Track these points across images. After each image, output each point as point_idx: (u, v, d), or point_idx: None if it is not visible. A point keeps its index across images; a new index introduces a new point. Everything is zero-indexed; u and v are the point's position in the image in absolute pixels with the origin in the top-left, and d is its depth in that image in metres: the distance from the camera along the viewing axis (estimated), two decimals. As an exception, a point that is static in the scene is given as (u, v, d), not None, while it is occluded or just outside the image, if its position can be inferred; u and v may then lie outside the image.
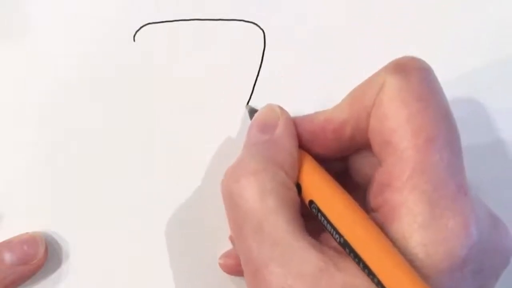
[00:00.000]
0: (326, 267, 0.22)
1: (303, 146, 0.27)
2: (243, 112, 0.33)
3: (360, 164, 0.27)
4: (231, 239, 0.31)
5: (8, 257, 0.30)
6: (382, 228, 0.23)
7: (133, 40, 0.34)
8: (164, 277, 0.32)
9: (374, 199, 0.24)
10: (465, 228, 0.22)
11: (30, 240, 0.30)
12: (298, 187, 0.26)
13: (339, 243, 0.23)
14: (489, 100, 0.34)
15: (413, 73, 0.25)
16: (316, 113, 0.27)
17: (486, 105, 0.34)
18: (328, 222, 0.24)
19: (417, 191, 0.23)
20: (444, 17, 0.35)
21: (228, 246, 0.32)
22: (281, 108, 0.28)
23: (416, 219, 0.22)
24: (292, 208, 0.24)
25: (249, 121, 0.29)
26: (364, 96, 0.25)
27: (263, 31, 0.34)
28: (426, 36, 0.35)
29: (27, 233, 0.31)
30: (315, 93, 0.34)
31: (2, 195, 0.32)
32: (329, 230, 0.24)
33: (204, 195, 0.32)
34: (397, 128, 0.24)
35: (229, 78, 0.34)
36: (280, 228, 0.23)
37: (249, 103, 0.33)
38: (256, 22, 0.34)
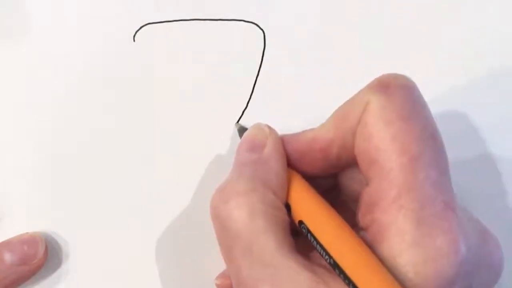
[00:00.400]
0: (317, 287, 0.22)
1: (292, 164, 0.27)
2: (236, 125, 0.33)
3: (349, 181, 0.27)
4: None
5: (8, 257, 0.30)
6: (372, 247, 0.23)
7: (133, 40, 0.34)
8: (164, 277, 0.32)
9: (362, 218, 0.24)
10: (454, 245, 0.22)
11: (30, 240, 0.30)
12: (288, 206, 0.26)
13: (329, 263, 0.24)
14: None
15: (397, 92, 0.25)
16: (303, 132, 0.27)
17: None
18: (318, 243, 0.24)
19: (404, 210, 0.23)
20: (441, 23, 0.35)
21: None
22: (269, 128, 0.28)
23: (404, 238, 0.22)
24: (282, 228, 0.24)
25: (238, 139, 0.29)
26: (349, 115, 0.25)
27: (263, 31, 0.34)
28: (426, 36, 0.35)
29: (27, 233, 0.31)
30: (315, 93, 0.34)
31: (2, 195, 0.32)
32: (319, 250, 0.24)
33: (204, 195, 0.32)
34: (382, 147, 0.24)
35: (229, 78, 0.34)
36: (270, 249, 0.23)
37: (239, 121, 0.33)
38: (256, 22, 0.34)
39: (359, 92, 0.25)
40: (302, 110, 0.33)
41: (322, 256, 0.24)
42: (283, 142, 0.27)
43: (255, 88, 0.34)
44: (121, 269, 0.32)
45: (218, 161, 0.33)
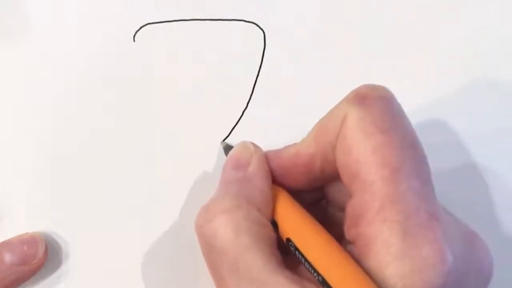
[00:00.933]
0: None
1: (277, 180, 0.27)
2: (222, 143, 0.33)
3: (336, 193, 0.27)
4: None
5: (8, 257, 0.30)
6: (359, 261, 0.23)
7: (133, 40, 0.34)
8: (164, 277, 0.32)
9: (348, 231, 0.24)
10: (440, 255, 0.22)
11: (30, 240, 0.30)
12: (275, 223, 0.26)
13: (318, 280, 0.24)
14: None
15: (375, 103, 0.24)
16: (286, 147, 0.27)
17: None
18: (306, 260, 0.24)
19: (388, 222, 0.22)
20: (441, 23, 0.35)
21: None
22: (254, 145, 0.28)
23: (390, 250, 0.22)
24: (268, 244, 0.25)
25: (224, 157, 0.29)
26: (328, 129, 0.25)
27: (263, 31, 0.34)
28: (425, 37, 0.35)
29: (27, 233, 0.31)
30: (314, 93, 0.34)
31: (2, 195, 0.32)
32: (307, 267, 0.24)
33: (204, 195, 0.32)
34: (363, 160, 0.23)
35: (229, 78, 0.34)
36: (256, 266, 0.23)
37: (225, 140, 0.33)
38: (256, 22, 0.34)
39: (337, 105, 0.25)
40: (302, 110, 0.33)
41: (310, 272, 0.24)
42: (267, 158, 0.27)
43: (255, 88, 0.34)
44: (121, 269, 0.32)
45: (218, 161, 0.33)
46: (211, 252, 0.25)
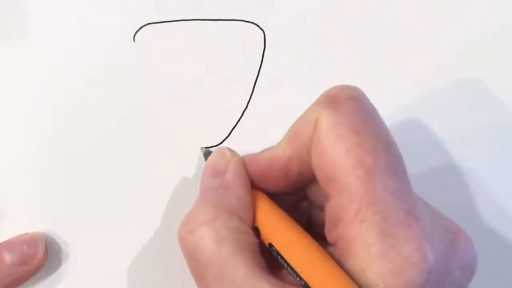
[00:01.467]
0: None
1: (256, 185, 0.27)
2: (201, 149, 0.33)
3: (316, 194, 0.27)
4: None
5: (8, 257, 0.30)
6: (340, 263, 0.23)
7: (133, 40, 0.34)
8: (164, 277, 0.32)
9: (329, 233, 0.24)
10: (420, 253, 0.22)
11: (30, 241, 0.30)
12: (257, 229, 0.26)
13: (301, 285, 0.24)
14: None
15: (345, 104, 0.24)
16: (262, 152, 0.27)
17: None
18: (288, 265, 0.24)
19: (367, 224, 0.22)
20: (441, 23, 0.35)
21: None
22: (231, 151, 0.28)
23: (370, 251, 0.22)
24: (251, 251, 0.25)
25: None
26: (301, 133, 0.25)
27: (263, 31, 0.34)
28: (426, 36, 0.35)
29: (27, 233, 0.31)
30: (314, 93, 0.33)
31: (2, 195, 0.32)
32: (290, 272, 0.24)
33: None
34: (337, 163, 0.23)
35: (229, 78, 0.34)
36: (240, 273, 0.23)
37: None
38: (256, 22, 0.34)
39: (309, 108, 0.25)
40: (302, 110, 0.33)
41: (294, 277, 0.24)
42: (245, 163, 0.27)
43: (255, 88, 0.34)
44: (121, 269, 0.32)
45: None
46: (195, 263, 0.25)
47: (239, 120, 0.33)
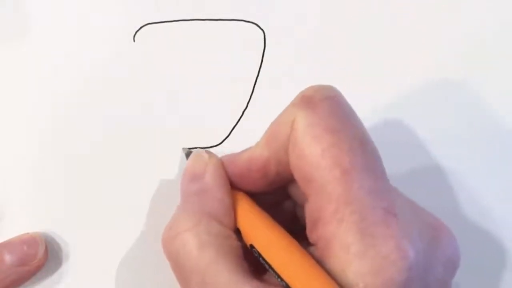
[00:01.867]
0: None
1: (236, 185, 0.27)
2: (183, 150, 0.33)
3: (298, 192, 0.27)
4: None
5: (8, 257, 0.30)
6: (321, 262, 0.23)
7: (133, 40, 0.34)
8: (164, 277, 0.32)
9: (309, 234, 0.24)
10: (400, 252, 0.22)
11: (30, 241, 0.30)
12: (239, 231, 0.26)
13: (283, 286, 0.24)
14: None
15: (321, 105, 0.24)
16: (240, 153, 0.27)
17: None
18: (269, 266, 0.24)
19: (345, 223, 0.22)
20: (441, 23, 0.35)
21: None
22: (209, 153, 0.28)
23: (349, 251, 0.22)
24: (234, 255, 0.25)
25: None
26: (278, 134, 0.25)
27: (263, 31, 0.34)
28: (426, 36, 0.34)
29: (27, 233, 0.31)
30: (315, 93, 0.34)
31: (2, 195, 0.32)
32: (272, 273, 0.24)
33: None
34: (314, 164, 0.23)
35: (229, 78, 0.34)
36: (223, 278, 0.24)
37: (187, 147, 0.32)
38: (256, 22, 0.34)
39: (285, 109, 0.25)
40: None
41: (275, 278, 0.24)
42: (223, 165, 0.27)
43: (255, 88, 0.34)
44: (121, 269, 0.32)
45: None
46: (179, 270, 0.25)
47: (239, 120, 0.33)
